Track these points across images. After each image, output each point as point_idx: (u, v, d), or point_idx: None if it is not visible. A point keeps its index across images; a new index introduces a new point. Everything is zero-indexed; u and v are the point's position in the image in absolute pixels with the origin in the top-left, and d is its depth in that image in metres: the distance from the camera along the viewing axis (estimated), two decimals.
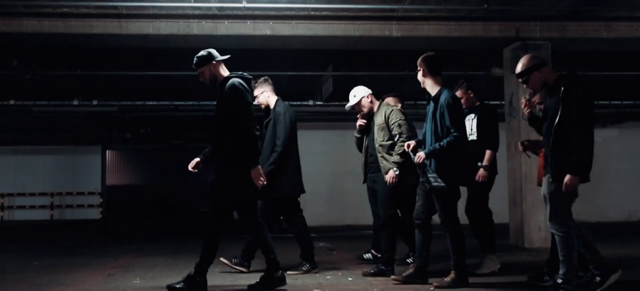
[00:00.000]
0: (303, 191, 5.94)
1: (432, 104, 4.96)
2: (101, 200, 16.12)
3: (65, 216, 16.07)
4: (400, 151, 5.40)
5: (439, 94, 4.91)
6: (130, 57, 10.15)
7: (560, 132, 4.24)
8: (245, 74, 4.84)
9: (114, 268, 6.43)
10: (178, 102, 12.65)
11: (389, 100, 6.41)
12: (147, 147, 20.65)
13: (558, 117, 4.23)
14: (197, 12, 7.95)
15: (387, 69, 10.76)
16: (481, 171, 5.81)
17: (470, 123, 5.98)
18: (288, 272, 5.44)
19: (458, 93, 5.92)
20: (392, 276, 5.21)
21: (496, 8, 7.90)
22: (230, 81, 4.71)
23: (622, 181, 15.29)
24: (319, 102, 13.08)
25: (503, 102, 9.12)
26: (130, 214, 18.26)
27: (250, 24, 8.11)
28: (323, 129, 15.00)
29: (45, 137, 16.60)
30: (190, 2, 7.57)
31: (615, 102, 13.29)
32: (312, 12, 8.07)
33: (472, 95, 6.10)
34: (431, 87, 5.00)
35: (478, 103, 6.13)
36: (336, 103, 12.43)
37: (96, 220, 15.57)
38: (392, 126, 5.58)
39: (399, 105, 6.49)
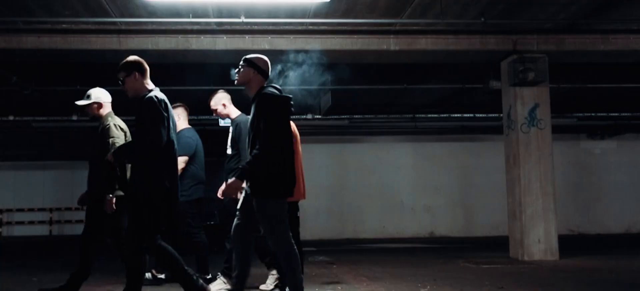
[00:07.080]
0: None
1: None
2: None
3: (64, 231, 16.01)
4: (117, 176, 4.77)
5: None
6: None
7: (254, 146, 4.07)
8: None
9: (114, 283, 6.41)
10: None
11: (178, 110, 5.96)
12: None
13: (254, 130, 4.09)
14: (195, 27, 7.99)
15: (385, 82, 10.80)
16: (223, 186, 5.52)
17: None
18: None
19: (213, 103, 5.78)
20: None
21: (493, 22, 7.94)
22: None
23: (621, 193, 15.29)
24: (317, 116, 13.11)
25: (501, 115, 9.14)
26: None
27: (248, 39, 8.15)
28: (322, 142, 15.03)
29: (44, 153, 16.59)
30: (188, 17, 7.60)
31: (613, 114, 13.32)
32: (310, 27, 8.11)
33: (226, 105, 5.83)
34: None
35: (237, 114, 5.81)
36: (335, 117, 12.44)
37: None
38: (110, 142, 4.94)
39: (186, 121, 6.14)
